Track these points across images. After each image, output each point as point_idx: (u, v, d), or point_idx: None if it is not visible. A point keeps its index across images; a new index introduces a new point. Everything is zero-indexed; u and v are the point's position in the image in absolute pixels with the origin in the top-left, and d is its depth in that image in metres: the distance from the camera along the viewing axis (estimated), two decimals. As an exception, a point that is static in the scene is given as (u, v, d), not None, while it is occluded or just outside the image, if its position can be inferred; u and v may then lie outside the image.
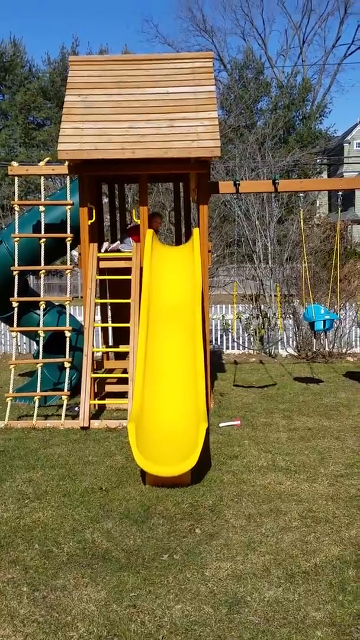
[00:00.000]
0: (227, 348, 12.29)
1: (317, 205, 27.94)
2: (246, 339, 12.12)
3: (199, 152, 6.81)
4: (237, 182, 7.69)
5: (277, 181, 7.70)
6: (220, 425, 6.50)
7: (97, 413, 7.10)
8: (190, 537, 3.96)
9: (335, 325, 10.93)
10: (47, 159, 7.74)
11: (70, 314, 7.53)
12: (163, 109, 7.08)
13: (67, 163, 7.08)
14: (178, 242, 9.02)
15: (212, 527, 4.09)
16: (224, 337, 12.40)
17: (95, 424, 6.49)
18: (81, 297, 7.30)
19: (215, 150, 6.82)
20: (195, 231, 7.30)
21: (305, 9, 43.30)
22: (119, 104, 7.09)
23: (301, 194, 8.36)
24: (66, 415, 6.70)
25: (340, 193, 8.15)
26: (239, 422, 6.55)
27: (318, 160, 34.40)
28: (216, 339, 12.42)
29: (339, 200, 8.23)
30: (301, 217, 8.53)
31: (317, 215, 20.09)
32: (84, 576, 3.47)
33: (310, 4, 43.17)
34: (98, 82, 7.25)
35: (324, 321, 7.96)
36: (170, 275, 6.93)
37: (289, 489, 4.74)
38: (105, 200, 9.99)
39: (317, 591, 3.31)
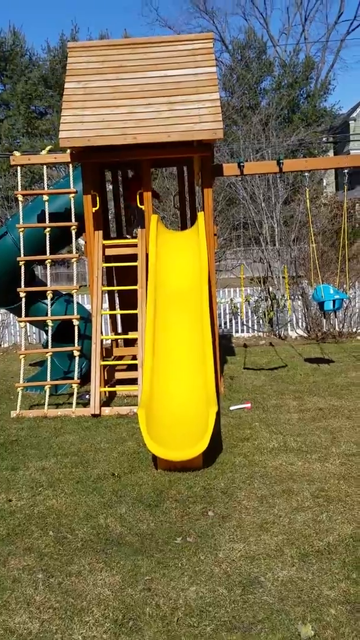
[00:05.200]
0: (237, 331, 12.27)
1: (324, 184, 27.68)
2: (255, 321, 12.09)
3: (202, 134, 6.74)
4: (242, 164, 7.62)
5: (281, 161, 7.62)
6: (231, 408, 6.50)
7: (108, 400, 7.13)
8: (203, 519, 3.98)
9: (345, 305, 10.87)
10: (49, 147, 7.70)
11: (78, 302, 7.53)
12: (164, 92, 7.00)
13: (69, 151, 7.05)
14: (184, 227, 8.97)
15: (225, 509, 4.11)
16: (233, 321, 12.38)
17: (106, 411, 6.53)
18: (88, 285, 7.29)
19: (218, 132, 6.74)
20: (200, 215, 7.26)
21: (307, -15, 42.35)
22: (118, 89, 7.02)
23: (306, 174, 8.27)
24: (77, 404, 6.73)
25: (346, 171, 8.07)
26: (249, 405, 6.55)
27: (324, 139, 34.00)
28: (225, 323, 12.41)
29: (345, 178, 8.14)
30: (307, 196, 8.45)
31: (324, 194, 19.90)
32: (98, 561, 3.50)
33: (311, -20, 42.16)
34: (97, 68, 7.18)
35: (334, 301, 7.91)
36: (176, 260, 6.90)
37: (301, 469, 4.75)
38: (110, 187, 9.95)
39: (330, 570, 3.32)
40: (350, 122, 38.86)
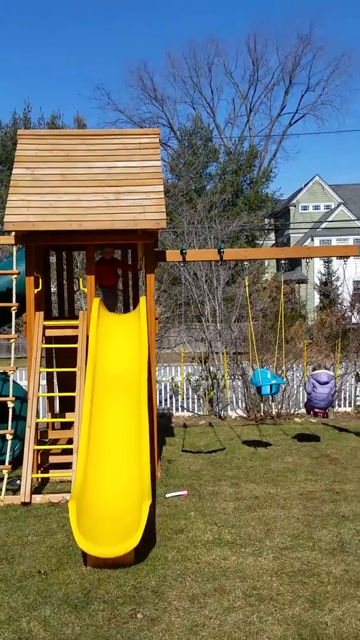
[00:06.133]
0: (177, 409, 12.24)
1: (266, 264, 28.82)
2: (196, 400, 12.13)
3: (146, 224, 6.99)
4: (184, 251, 7.89)
5: (222, 250, 7.93)
6: (167, 496, 6.41)
7: (40, 486, 6.90)
8: (132, 622, 3.84)
9: (283, 387, 11.10)
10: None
11: (14, 381, 7.39)
12: (110, 182, 7.27)
13: (13, 233, 7.13)
14: (126, 308, 9.10)
15: (155, 611, 3.98)
16: (174, 398, 12.37)
17: (37, 498, 6.30)
18: (27, 364, 7.20)
19: (161, 222, 7.00)
20: (142, 300, 7.40)
21: (252, 79, 45.61)
22: (66, 177, 7.24)
23: (246, 263, 8.62)
24: (7, 490, 6.48)
25: (283, 262, 8.49)
26: (185, 492, 6.48)
27: (265, 221, 35.68)
28: (165, 400, 12.38)
29: (282, 267, 8.56)
30: (246, 284, 8.78)
31: (264, 277, 20.65)
32: (17, 673, 3.30)
33: (256, 75, 45.49)
34: (46, 156, 7.41)
35: (271, 385, 8.08)
36: (117, 343, 6.95)
37: (234, 564, 4.69)
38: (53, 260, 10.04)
39: None
40: (290, 207, 41.11)
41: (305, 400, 8.89)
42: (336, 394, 10.67)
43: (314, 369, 8.81)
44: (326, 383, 8.42)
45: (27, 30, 72.21)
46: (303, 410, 11.56)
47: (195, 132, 36.65)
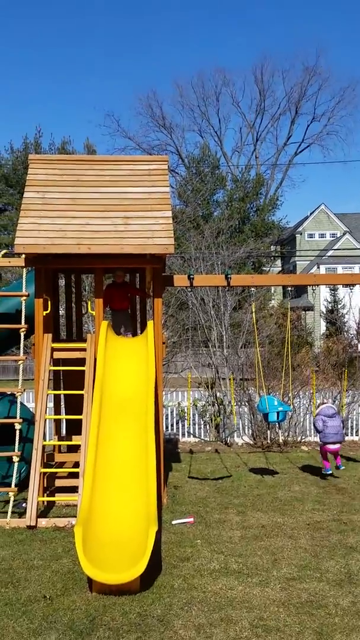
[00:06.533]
0: (183, 435, 12.16)
1: (272, 291, 28.92)
2: (202, 426, 12.06)
3: (154, 248, 7.05)
4: (191, 276, 7.93)
5: (229, 276, 7.97)
6: (173, 522, 6.33)
7: (46, 509, 6.84)
8: (137, 652, 3.77)
9: (290, 415, 11.02)
10: (4, 251, 7.85)
11: (21, 403, 7.39)
12: (119, 207, 7.36)
13: (23, 255, 7.20)
14: (134, 333, 9.11)
15: (160, 640, 3.91)
16: (180, 424, 12.29)
17: (43, 522, 6.24)
18: (34, 385, 7.20)
19: (169, 248, 7.06)
20: (150, 324, 7.42)
21: (259, 109, 46.29)
22: (76, 201, 7.34)
23: (253, 289, 8.65)
24: (13, 513, 6.43)
25: (289, 289, 8.50)
26: (192, 520, 6.40)
27: (272, 248, 35.85)
28: (172, 425, 12.30)
29: (289, 294, 8.56)
30: (253, 310, 8.80)
31: (271, 304, 20.67)
32: None
33: (263, 104, 46.18)
34: (57, 181, 7.52)
35: (277, 413, 8.02)
36: (124, 367, 6.95)
37: (241, 594, 4.61)
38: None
39: None
40: (296, 235, 41.36)
41: (319, 448, 8.66)
42: (343, 423, 10.57)
43: (318, 406, 8.67)
44: (334, 415, 8.34)
45: (38, 57, 73.92)
46: (310, 439, 11.46)
47: (203, 160, 37.10)
